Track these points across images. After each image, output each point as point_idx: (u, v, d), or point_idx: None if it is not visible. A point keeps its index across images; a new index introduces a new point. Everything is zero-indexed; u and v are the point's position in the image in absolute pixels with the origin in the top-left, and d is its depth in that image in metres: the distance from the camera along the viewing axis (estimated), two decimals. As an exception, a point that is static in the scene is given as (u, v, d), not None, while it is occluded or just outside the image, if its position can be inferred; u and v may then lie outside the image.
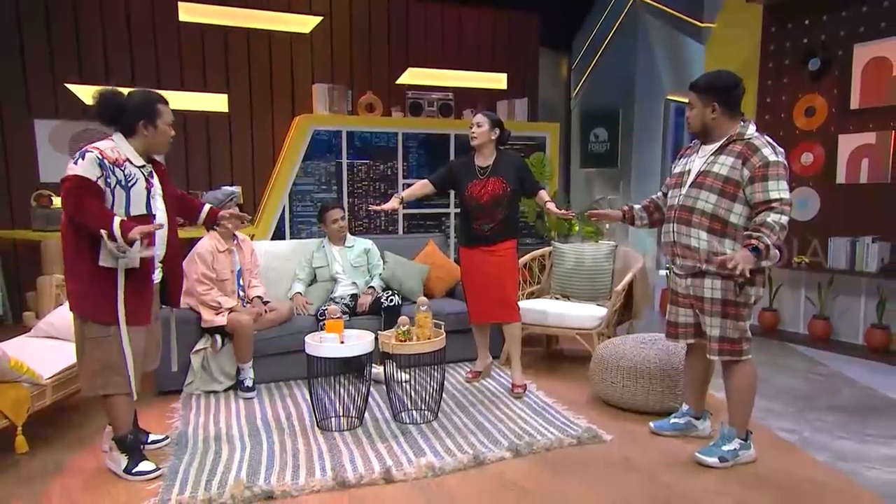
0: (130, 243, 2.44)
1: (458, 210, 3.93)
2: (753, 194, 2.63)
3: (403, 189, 6.09)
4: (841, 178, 4.92)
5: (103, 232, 2.43)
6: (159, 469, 2.70)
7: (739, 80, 2.77)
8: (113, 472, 2.69)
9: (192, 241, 3.90)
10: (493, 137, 3.69)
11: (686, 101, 2.89)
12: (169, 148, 2.79)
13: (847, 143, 4.87)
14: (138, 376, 2.67)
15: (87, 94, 5.44)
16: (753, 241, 2.55)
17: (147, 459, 2.72)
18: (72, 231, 2.53)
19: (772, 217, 2.57)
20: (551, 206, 3.65)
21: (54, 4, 5.39)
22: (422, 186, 3.85)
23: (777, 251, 2.63)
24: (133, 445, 2.72)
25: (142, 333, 2.68)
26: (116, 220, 2.45)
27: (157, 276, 2.78)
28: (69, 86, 5.44)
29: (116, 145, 2.61)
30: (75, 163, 2.51)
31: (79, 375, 2.68)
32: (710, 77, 2.83)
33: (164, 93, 2.79)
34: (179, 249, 2.91)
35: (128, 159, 2.60)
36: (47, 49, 5.40)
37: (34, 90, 5.40)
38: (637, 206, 3.16)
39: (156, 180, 2.73)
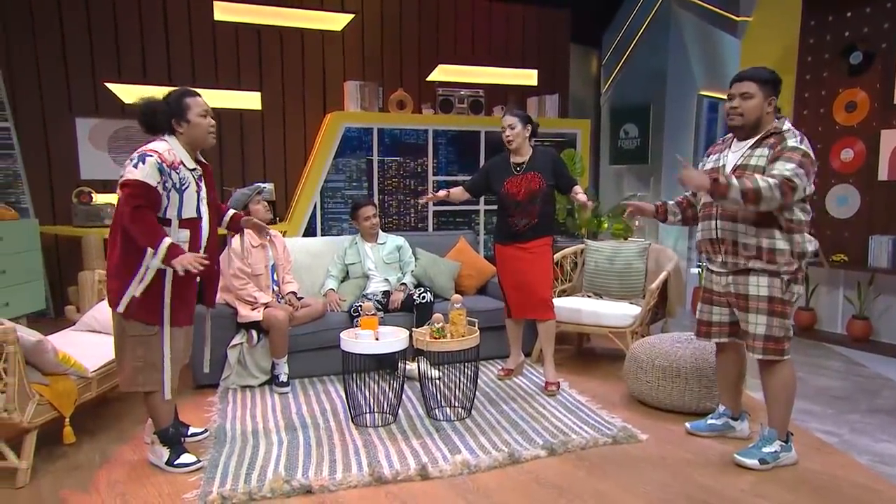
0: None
1: (490, 208, 3.91)
2: (767, 173, 2.58)
3: (434, 186, 6.14)
4: (883, 174, 4.80)
5: (150, 253, 2.48)
6: (200, 462, 2.76)
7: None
8: (155, 464, 2.76)
9: (227, 238, 3.97)
10: (527, 135, 3.70)
11: (724, 96, 2.84)
12: (212, 140, 2.74)
13: (890, 139, 4.74)
14: (175, 376, 2.70)
15: (125, 92, 5.58)
16: (722, 176, 2.52)
17: (188, 452, 2.78)
18: (123, 232, 2.54)
19: (762, 178, 2.51)
20: (581, 196, 3.64)
21: (95, 5, 5.51)
22: (461, 193, 3.92)
23: (737, 199, 2.51)
24: (175, 438, 2.77)
25: (182, 334, 2.73)
26: (165, 243, 2.48)
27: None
28: (108, 84, 5.57)
29: (171, 147, 2.61)
30: (135, 166, 2.49)
31: (118, 372, 2.73)
32: (767, 72, 2.74)
33: (199, 91, 2.75)
34: (217, 250, 2.94)
35: (182, 162, 2.61)
36: (88, 49, 5.53)
37: (75, 89, 5.54)
38: (671, 202, 3.12)
39: (203, 184, 2.74)
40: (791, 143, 2.61)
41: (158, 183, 2.51)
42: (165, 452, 2.73)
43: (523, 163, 3.71)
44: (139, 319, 2.60)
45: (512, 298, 3.85)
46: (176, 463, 2.72)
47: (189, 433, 3.03)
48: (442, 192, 3.91)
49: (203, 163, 2.79)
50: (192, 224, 2.65)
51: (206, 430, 3.12)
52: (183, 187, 2.59)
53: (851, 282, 5.01)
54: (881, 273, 4.76)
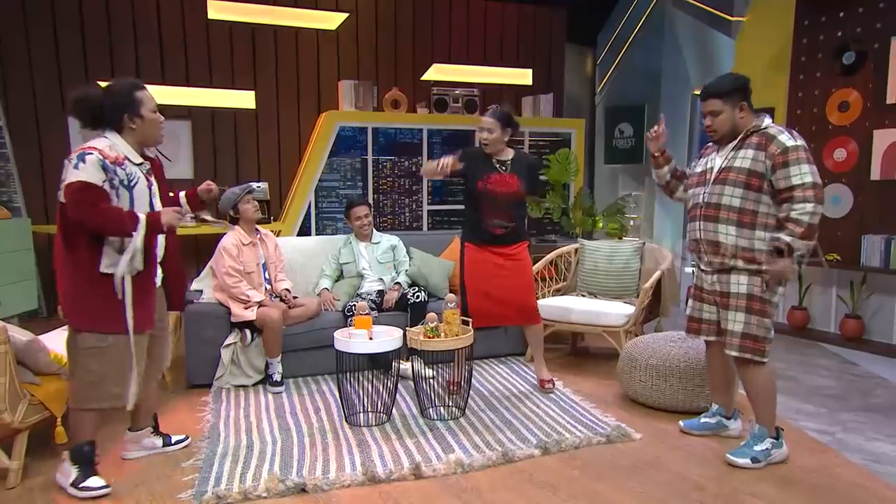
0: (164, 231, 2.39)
1: (466, 205, 3.63)
2: (777, 181, 2.65)
3: (428, 186, 6.13)
4: (876, 174, 4.82)
5: (135, 234, 2.36)
6: (108, 487, 2.52)
7: (749, 79, 2.81)
8: (61, 486, 2.54)
9: (218, 237, 3.97)
10: (505, 139, 3.51)
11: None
12: (163, 138, 2.63)
13: (882, 139, 4.76)
14: (139, 385, 2.56)
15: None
16: (777, 244, 2.63)
17: (98, 475, 2.54)
18: (68, 238, 2.42)
19: (795, 212, 2.60)
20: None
21: (88, 3, 5.48)
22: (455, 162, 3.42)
23: (807, 242, 2.63)
24: (88, 458, 2.55)
25: (144, 341, 2.59)
26: (143, 218, 2.39)
27: (158, 279, 2.70)
28: (101, 84, 5.52)
29: (113, 143, 2.47)
30: (76, 167, 2.34)
31: (69, 387, 2.56)
32: (729, 80, 2.81)
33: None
34: (177, 250, 2.81)
35: (126, 157, 2.47)
36: (80, 47, 5.50)
37: (68, 88, 5.50)
38: (675, 164, 3.17)
39: (153, 178, 2.63)
40: (787, 142, 2.61)
41: (104, 181, 2.38)
42: (74, 472, 2.50)
43: (507, 161, 3.53)
44: (94, 330, 2.44)
45: (478, 305, 3.53)
46: (81, 486, 2.48)
47: (173, 441, 2.95)
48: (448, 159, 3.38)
49: (149, 157, 2.66)
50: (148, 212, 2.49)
51: (186, 437, 3.01)
52: (132, 184, 2.47)
53: (844, 281, 5.03)
54: (874, 272, 4.78)
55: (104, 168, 2.38)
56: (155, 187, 2.62)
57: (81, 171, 2.35)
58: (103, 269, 2.44)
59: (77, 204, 2.34)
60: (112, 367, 2.48)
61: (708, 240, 2.80)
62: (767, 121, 2.74)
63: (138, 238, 2.41)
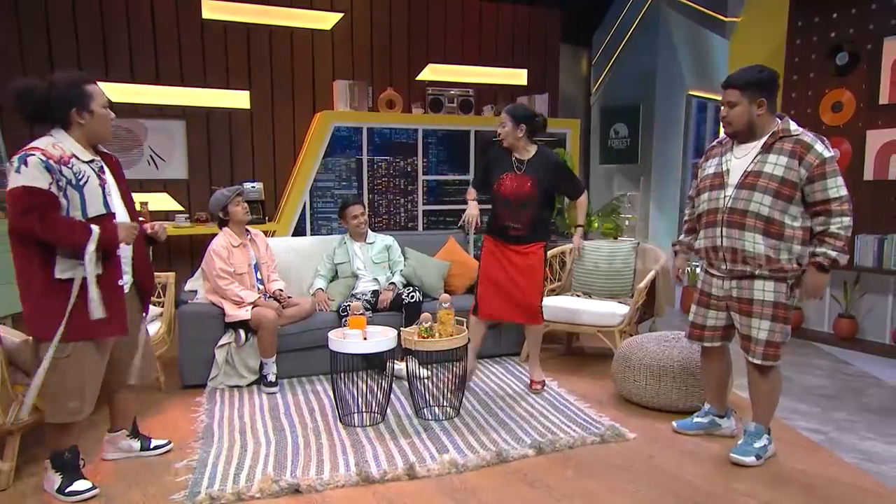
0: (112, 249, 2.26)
1: (486, 207, 3.64)
2: (813, 193, 2.58)
3: (423, 186, 6.14)
4: (869, 174, 4.84)
5: (88, 246, 2.23)
6: (95, 488, 2.51)
7: (778, 74, 2.72)
8: (47, 491, 2.52)
9: (208, 238, 3.97)
10: (520, 134, 3.53)
11: (712, 96, 2.84)
12: (111, 136, 2.51)
13: (875, 139, 4.79)
14: (93, 397, 2.48)
15: (112, 92, 5.52)
16: (820, 260, 2.58)
17: (83, 479, 2.51)
18: (18, 244, 2.32)
19: (833, 226, 2.57)
20: (577, 240, 3.90)
21: (81, 3, 5.46)
22: (474, 193, 3.71)
23: (845, 254, 2.61)
24: (69, 464, 2.52)
25: (107, 348, 2.49)
26: (96, 232, 2.26)
27: (128, 281, 2.59)
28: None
29: (58, 141, 2.34)
30: (17, 171, 2.21)
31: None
32: (753, 72, 2.69)
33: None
34: (144, 248, 2.70)
35: (74, 155, 2.34)
36: (74, 48, 5.48)
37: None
38: (686, 238, 3.05)
39: (109, 175, 2.50)
40: (825, 153, 2.55)
41: (51, 184, 2.24)
42: (57, 479, 2.47)
43: (525, 161, 3.56)
44: (52, 339, 2.31)
45: (487, 295, 3.65)
46: (67, 490, 2.45)
47: (152, 445, 2.89)
48: (472, 205, 3.62)
49: (105, 153, 2.55)
50: (103, 222, 2.38)
51: (168, 442, 2.94)
52: (81, 182, 2.32)
53: (837, 281, 5.05)
54: (866, 272, 4.81)
55: (48, 169, 2.24)
56: (111, 185, 2.48)
57: (24, 175, 2.21)
58: (59, 274, 2.32)
59: (23, 213, 2.22)
60: (71, 379, 2.39)
61: (732, 248, 2.69)
62: (794, 125, 2.65)
63: (91, 250, 2.28)
